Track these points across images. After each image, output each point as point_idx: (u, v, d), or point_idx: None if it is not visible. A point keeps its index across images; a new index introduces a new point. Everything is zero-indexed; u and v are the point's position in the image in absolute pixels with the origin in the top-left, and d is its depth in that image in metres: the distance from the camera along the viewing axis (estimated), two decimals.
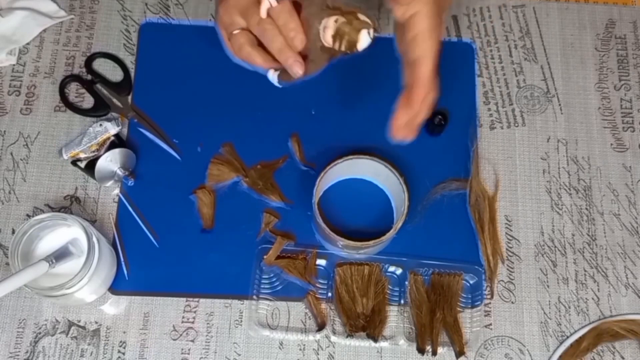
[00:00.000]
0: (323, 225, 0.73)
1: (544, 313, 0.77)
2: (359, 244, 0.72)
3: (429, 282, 0.76)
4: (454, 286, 0.76)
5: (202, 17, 0.86)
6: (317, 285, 0.76)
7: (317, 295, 0.75)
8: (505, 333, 0.76)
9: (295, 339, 0.74)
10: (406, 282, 0.76)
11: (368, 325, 0.74)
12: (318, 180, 0.75)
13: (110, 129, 0.77)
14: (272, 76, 0.67)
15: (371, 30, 0.62)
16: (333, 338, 0.74)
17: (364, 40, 0.62)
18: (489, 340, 0.75)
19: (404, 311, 0.75)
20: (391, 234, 0.73)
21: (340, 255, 0.77)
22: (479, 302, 0.76)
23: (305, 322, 0.75)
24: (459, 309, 0.76)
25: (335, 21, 0.62)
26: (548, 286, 0.77)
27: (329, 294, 0.76)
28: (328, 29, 0.62)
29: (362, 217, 0.78)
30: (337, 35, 0.62)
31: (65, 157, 0.77)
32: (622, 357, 0.75)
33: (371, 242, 0.72)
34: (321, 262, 0.77)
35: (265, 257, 0.76)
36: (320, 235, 0.77)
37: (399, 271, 0.76)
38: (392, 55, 0.86)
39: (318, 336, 0.74)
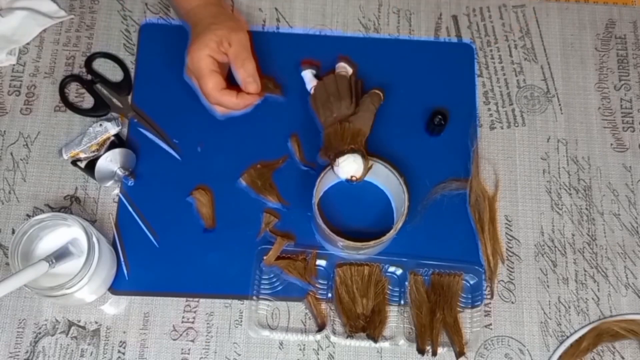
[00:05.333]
0: (323, 225, 0.73)
1: (544, 313, 0.77)
2: (359, 244, 0.72)
3: (429, 283, 0.76)
4: (454, 286, 0.76)
5: None
6: (317, 285, 0.76)
7: (317, 296, 0.75)
8: (505, 333, 0.76)
9: (295, 339, 0.74)
10: (406, 283, 0.76)
11: (368, 325, 0.74)
12: (318, 180, 0.75)
13: (110, 129, 0.77)
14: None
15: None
16: (333, 338, 0.74)
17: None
18: (489, 340, 0.75)
19: (404, 311, 0.75)
20: (391, 234, 0.73)
21: (340, 255, 0.77)
22: (479, 302, 0.76)
23: (305, 322, 0.75)
24: (459, 309, 0.76)
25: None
26: (548, 286, 0.78)
27: (329, 295, 0.76)
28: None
29: (362, 217, 0.78)
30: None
31: (65, 157, 0.77)
32: (622, 357, 0.75)
33: (371, 243, 0.72)
34: (321, 262, 0.77)
35: (265, 257, 0.76)
36: (320, 235, 0.77)
37: (399, 271, 0.76)
38: (391, 57, 0.86)
39: (318, 336, 0.74)
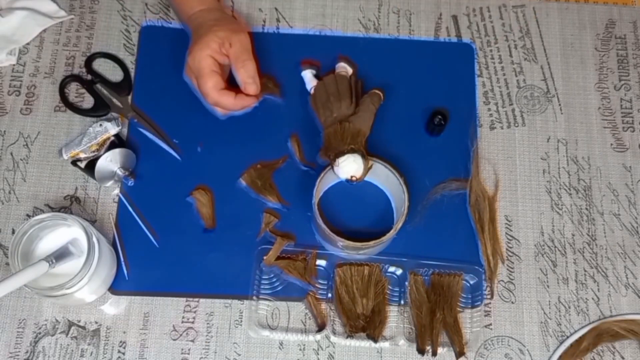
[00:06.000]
0: (323, 225, 0.73)
1: (544, 313, 0.77)
2: (359, 244, 0.72)
3: (429, 283, 0.76)
4: (454, 286, 0.76)
5: None
6: (317, 285, 0.76)
7: (317, 296, 0.75)
8: (505, 333, 0.76)
9: (295, 339, 0.74)
10: (406, 283, 0.76)
11: (368, 325, 0.74)
12: (318, 180, 0.75)
13: (110, 129, 0.77)
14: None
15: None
16: (333, 338, 0.74)
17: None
18: (489, 340, 0.75)
19: (404, 311, 0.75)
20: (391, 234, 0.73)
21: (341, 255, 0.77)
22: (479, 302, 0.76)
23: (305, 322, 0.75)
24: (459, 309, 0.76)
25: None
26: (548, 286, 0.77)
27: (329, 295, 0.76)
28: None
29: (362, 217, 0.78)
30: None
31: (65, 157, 0.77)
32: (622, 357, 0.75)
33: (371, 243, 0.72)
34: (321, 262, 0.77)
35: (265, 257, 0.76)
36: (320, 235, 0.77)
37: (399, 271, 0.76)
38: (391, 57, 0.86)
39: (318, 336, 0.74)
